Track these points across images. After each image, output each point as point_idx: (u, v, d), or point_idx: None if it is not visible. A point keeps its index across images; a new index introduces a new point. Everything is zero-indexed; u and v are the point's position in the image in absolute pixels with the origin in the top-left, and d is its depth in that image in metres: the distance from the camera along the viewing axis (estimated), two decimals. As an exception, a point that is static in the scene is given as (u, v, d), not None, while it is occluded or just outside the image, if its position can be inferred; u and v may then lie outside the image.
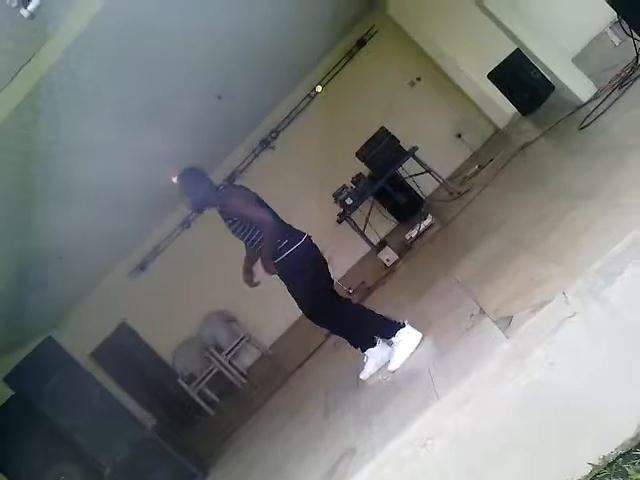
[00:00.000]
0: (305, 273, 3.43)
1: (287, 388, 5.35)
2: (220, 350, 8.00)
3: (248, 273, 3.67)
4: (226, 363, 7.88)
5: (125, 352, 8.08)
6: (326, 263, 3.58)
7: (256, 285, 3.67)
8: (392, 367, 3.29)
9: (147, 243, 8.62)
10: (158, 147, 5.98)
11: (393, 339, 3.33)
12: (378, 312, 3.49)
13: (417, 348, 3.26)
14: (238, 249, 8.39)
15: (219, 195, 3.43)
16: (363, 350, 3.52)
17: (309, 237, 3.49)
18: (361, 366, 3.57)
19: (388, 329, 3.36)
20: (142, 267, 8.61)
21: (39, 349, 4.84)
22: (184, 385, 7.70)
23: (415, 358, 3.19)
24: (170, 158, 6.61)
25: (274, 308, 8.10)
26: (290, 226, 3.51)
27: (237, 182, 8.64)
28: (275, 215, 3.45)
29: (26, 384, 4.62)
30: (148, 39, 4.28)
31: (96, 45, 3.80)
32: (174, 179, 3.53)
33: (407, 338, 3.29)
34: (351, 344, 3.63)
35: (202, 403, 7.66)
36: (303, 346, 6.01)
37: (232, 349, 8.03)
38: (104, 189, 5.73)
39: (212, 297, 8.27)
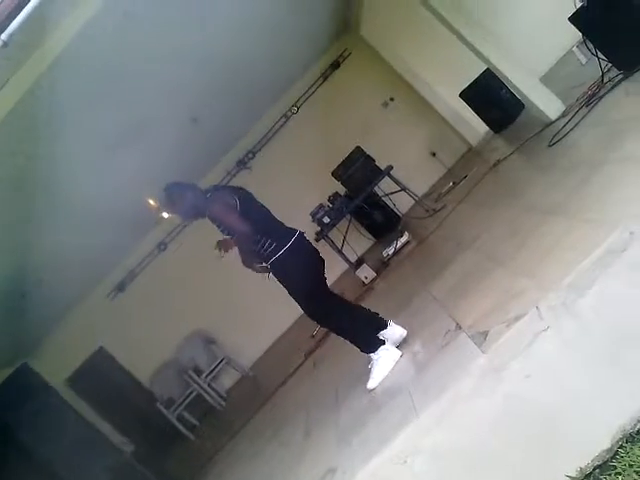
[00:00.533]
0: (298, 271, 3.42)
1: (267, 409, 5.31)
2: (199, 373, 7.90)
3: (250, 265, 3.62)
4: (205, 386, 7.78)
5: (102, 377, 7.94)
6: (322, 260, 3.57)
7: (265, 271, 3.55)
8: (370, 385, 3.27)
9: (124, 266, 8.52)
10: (134, 169, 5.96)
11: (373, 355, 3.32)
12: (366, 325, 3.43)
13: (395, 366, 3.25)
14: (216, 270, 8.36)
15: (207, 201, 3.44)
16: (370, 352, 3.37)
17: (301, 233, 3.48)
18: (344, 381, 3.53)
19: (370, 344, 3.33)
20: (119, 289, 8.51)
21: (14, 376, 4.76)
22: (163, 409, 7.58)
23: (394, 375, 3.20)
24: (147, 180, 6.64)
25: (253, 329, 8.10)
26: (281, 226, 3.52)
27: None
28: (262, 218, 3.49)
29: (1, 412, 4.53)
30: (123, 63, 4.28)
31: (71, 71, 3.79)
32: (162, 193, 3.56)
33: (386, 355, 3.29)
34: (357, 345, 3.47)
35: (181, 427, 7.54)
36: (283, 367, 5.98)
37: (211, 371, 7.94)
38: (81, 210, 5.68)
39: (191, 319, 8.20)
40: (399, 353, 3.31)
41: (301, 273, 3.43)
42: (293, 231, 3.47)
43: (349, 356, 4.27)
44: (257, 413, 5.43)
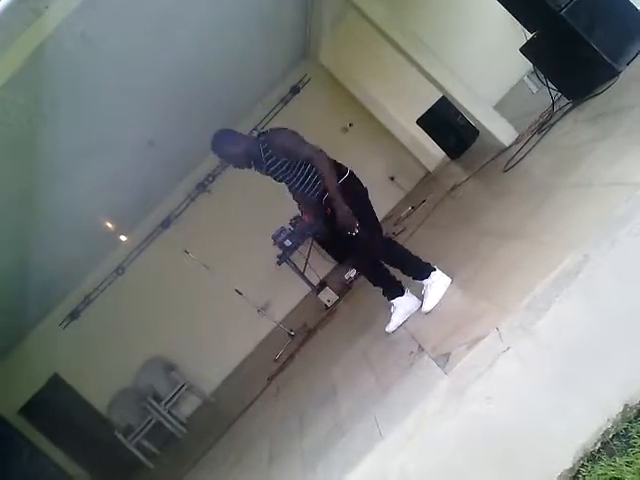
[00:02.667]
0: (358, 200, 3.43)
1: (230, 436, 5.23)
2: (159, 399, 7.71)
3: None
4: (165, 413, 7.60)
5: (58, 405, 7.67)
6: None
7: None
8: (427, 307, 3.32)
9: (78, 291, 8.32)
10: (90, 191, 5.88)
11: (426, 281, 3.38)
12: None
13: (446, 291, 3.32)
14: (177, 294, 8.25)
15: (261, 141, 3.34)
16: (390, 298, 3.53)
17: (352, 171, 3.49)
18: (308, 406, 3.53)
19: (424, 270, 3.39)
20: (74, 316, 8.29)
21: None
22: (121, 438, 7.35)
23: (358, 399, 3.21)
24: (102, 204, 6.55)
25: (214, 354, 8.00)
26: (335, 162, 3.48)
27: (173, 226, 8.57)
28: None
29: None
30: (78, 85, 4.24)
31: (25, 90, 3.74)
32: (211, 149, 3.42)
33: (439, 280, 3.35)
34: (382, 288, 3.58)
35: (141, 456, 7.33)
36: (245, 392, 5.92)
37: (171, 398, 7.76)
38: (32, 233, 5.55)
39: (150, 344, 8.05)
40: (449, 279, 3.37)
41: (361, 202, 3.46)
42: (344, 167, 3.47)
43: (314, 379, 4.28)
44: (219, 440, 5.34)
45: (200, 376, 8.13)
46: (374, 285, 3.64)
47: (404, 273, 3.51)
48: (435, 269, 3.40)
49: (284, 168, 3.37)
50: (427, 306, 3.33)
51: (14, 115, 3.96)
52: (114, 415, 7.78)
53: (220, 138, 3.42)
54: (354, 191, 3.44)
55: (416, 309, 3.48)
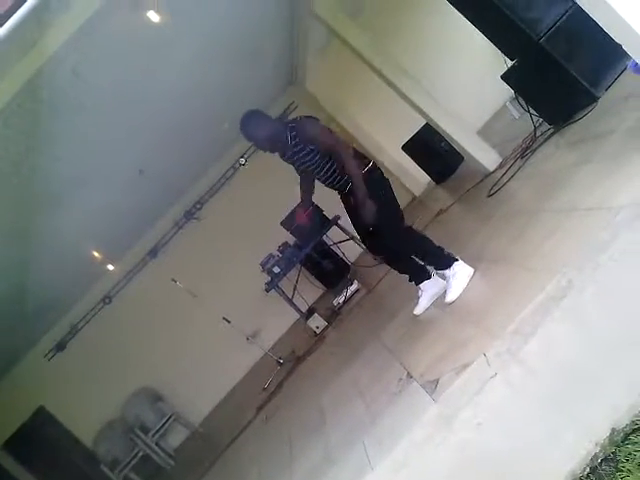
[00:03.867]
0: (382, 193, 3.49)
1: (219, 467, 5.15)
2: (146, 431, 7.58)
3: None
4: (152, 445, 7.47)
5: (43, 439, 7.51)
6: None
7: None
8: (450, 298, 3.32)
9: (65, 321, 8.23)
10: (80, 219, 5.87)
11: (448, 271, 3.39)
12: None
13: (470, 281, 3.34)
14: (164, 323, 8.18)
15: (290, 127, 3.40)
16: (418, 283, 3.60)
17: (375, 163, 3.53)
18: (298, 435, 3.50)
19: (445, 261, 3.42)
20: (60, 347, 8.18)
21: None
22: (108, 471, 7.21)
23: (347, 427, 3.19)
24: (90, 233, 6.53)
25: (202, 383, 7.91)
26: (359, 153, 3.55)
27: (160, 254, 8.53)
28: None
29: None
30: (68, 115, 4.26)
31: (16, 120, 3.76)
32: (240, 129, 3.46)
33: (462, 270, 3.36)
34: (408, 275, 3.66)
35: (127, 490, 7.20)
36: (234, 422, 5.85)
37: (159, 429, 7.63)
38: (22, 264, 5.51)
39: (137, 375, 7.94)
40: (472, 270, 3.38)
41: (384, 196, 3.51)
42: (367, 159, 3.52)
43: (303, 407, 4.24)
44: (208, 471, 5.26)
45: (188, 406, 8.03)
46: (400, 272, 3.76)
47: (426, 263, 3.58)
48: (457, 259, 3.43)
49: (310, 157, 3.43)
50: (450, 297, 3.34)
51: (4, 146, 3.95)
52: (100, 448, 7.61)
53: (249, 119, 3.46)
54: (376, 182, 3.49)
55: (442, 291, 3.49)
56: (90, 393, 7.60)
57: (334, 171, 3.46)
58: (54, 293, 7.00)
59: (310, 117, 3.51)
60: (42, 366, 7.97)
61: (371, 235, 3.60)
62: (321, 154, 3.41)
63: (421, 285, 3.60)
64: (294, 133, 3.38)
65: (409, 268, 3.66)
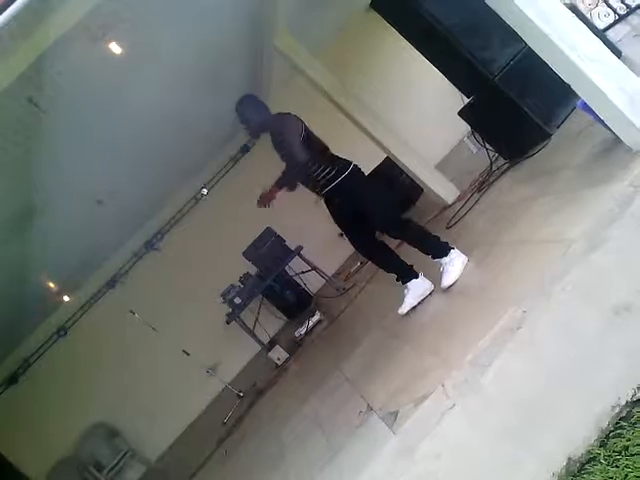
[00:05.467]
0: (362, 193, 3.76)
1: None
2: (100, 468, 7.30)
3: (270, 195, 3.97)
4: (107, 483, 7.21)
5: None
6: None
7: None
8: (446, 283, 3.44)
9: (17, 354, 7.93)
10: (31, 251, 5.71)
11: (445, 259, 3.51)
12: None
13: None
14: (119, 356, 7.96)
15: (274, 119, 3.78)
16: (405, 282, 3.71)
17: (356, 165, 3.79)
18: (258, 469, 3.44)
19: (442, 248, 3.56)
20: (11, 381, 7.87)
21: None
22: (59, 513, 6.91)
23: (307, 462, 3.14)
24: (44, 263, 6.36)
25: (159, 418, 7.70)
26: (336, 156, 3.82)
27: (118, 285, 8.37)
28: (320, 146, 3.78)
29: None
30: (26, 143, 4.19)
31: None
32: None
33: (458, 258, 3.50)
34: (396, 273, 3.80)
35: (79, 533, 6.88)
36: (193, 457, 5.69)
37: (114, 466, 7.37)
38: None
39: (92, 409, 7.67)
40: (466, 258, 3.53)
41: (366, 194, 3.77)
42: (349, 162, 3.78)
43: (262, 442, 4.17)
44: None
45: (145, 442, 7.79)
46: (387, 271, 3.90)
47: (423, 251, 3.68)
48: (454, 247, 3.56)
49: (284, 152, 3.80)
50: (446, 281, 3.45)
51: None
52: (52, 487, 7.29)
53: (247, 102, 3.87)
54: (359, 182, 3.80)
55: (429, 292, 3.66)
56: (42, 429, 7.30)
57: (313, 164, 3.71)
58: (6, 324, 6.76)
59: (286, 119, 3.80)
60: (-9, 402, 7.64)
61: (362, 229, 3.80)
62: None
63: (408, 284, 3.70)
64: (270, 130, 3.80)
65: (397, 267, 3.81)
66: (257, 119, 3.80)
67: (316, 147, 3.75)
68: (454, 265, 3.49)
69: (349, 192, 3.72)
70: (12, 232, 5.12)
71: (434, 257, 3.61)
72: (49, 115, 4.10)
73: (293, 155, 3.66)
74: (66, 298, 7.99)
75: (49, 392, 7.57)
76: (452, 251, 3.55)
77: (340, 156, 3.83)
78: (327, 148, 3.84)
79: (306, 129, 3.75)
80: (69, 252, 6.70)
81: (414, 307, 3.67)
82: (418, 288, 3.68)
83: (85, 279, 8.18)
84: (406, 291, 3.71)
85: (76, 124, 4.55)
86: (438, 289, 3.59)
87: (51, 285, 7.31)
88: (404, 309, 3.70)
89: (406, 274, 3.75)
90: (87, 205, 6.14)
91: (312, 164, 3.68)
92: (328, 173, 3.69)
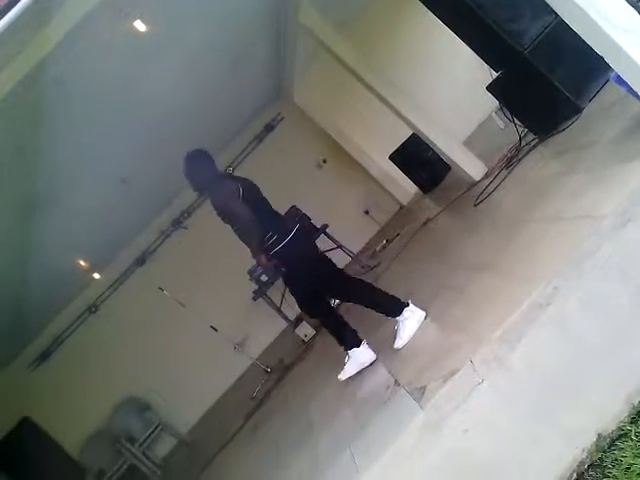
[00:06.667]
0: (304, 260, 3.65)
1: (206, 476, 5.12)
2: (133, 441, 7.51)
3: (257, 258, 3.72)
4: (139, 455, 7.39)
5: (27, 449, 7.39)
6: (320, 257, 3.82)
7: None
8: (399, 344, 3.35)
9: (49, 331, 8.15)
10: (62, 231, 5.82)
11: (399, 317, 3.41)
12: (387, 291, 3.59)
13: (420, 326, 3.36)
14: (150, 333, 8.13)
15: (218, 184, 3.65)
16: (347, 349, 3.60)
17: (300, 227, 3.70)
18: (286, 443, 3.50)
19: (395, 308, 3.44)
20: (44, 357, 8.09)
21: None
22: (93, 482, 7.15)
23: (335, 435, 3.19)
24: (75, 241, 6.49)
25: (189, 392, 7.86)
26: (282, 219, 3.80)
27: (147, 263, 8.49)
28: (263, 210, 3.66)
29: None
30: (51, 123, 4.23)
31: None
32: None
33: (412, 316, 3.38)
34: (339, 339, 3.70)
35: (114, 501, 7.12)
36: (222, 431, 5.81)
37: (146, 439, 7.57)
38: (5, 273, 5.46)
39: (123, 384, 7.86)
40: (423, 313, 3.41)
41: (307, 261, 3.66)
42: (293, 224, 3.69)
43: (291, 416, 4.23)
44: (196, 480, 5.23)
45: (175, 415, 7.96)
46: (331, 334, 3.77)
47: (376, 311, 3.59)
48: (408, 304, 3.43)
49: (225, 221, 3.69)
50: (398, 343, 3.36)
51: None
52: (87, 458, 7.53)
53: (194, 159, 3.68)
54: (303, 245, 3.71)
55: (370, 363, 3.54)
56: (76, 403, 7.52)
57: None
58: (39, 302, 6.93)
59: (225, 188, 3.66)
60: (27, 376, 7.88)
61: (310, 296, 3.67)
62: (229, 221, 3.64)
63: (350, 352, 3.59)
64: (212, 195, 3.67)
65: (342, 332, 3.69)
66: (197, 178, 3.67)
67: (258, 211, 3.60)
68: (406, 326, 3.37)
69: (294, 256, 3.61)
70: (39, 211, 5.22)
71: (387, 315, 3.56)
72: (75, 95, 4.14)
73: (232, 222, 3.62)
74: (96, 276, 8.15)
75: (81, 367, 7.78)
76: (406, 309, 3.40)
77: (285, 218, 3.81)
78: (271, 211, 3.77)
79: (245, 195, 3.61)
80: (99, 230, 6.82)
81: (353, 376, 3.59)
82: (358, 357, 3.57)
83: (115, 257, 8.32)
84: (347, 358, 3.62)
85: (103, 102, 4.60)
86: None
87: (81, 263, 7.46)
88: (343, 376, 3.62)
89: (347, 342, 3.63)
90: (114, 183, 6.22)
91: (255, 227, 3.59)
92: (271, 237, 3.57)
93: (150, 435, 7.61)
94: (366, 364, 3.55)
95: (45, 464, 7.47)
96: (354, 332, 3.65)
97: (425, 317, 3.41)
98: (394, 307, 3.45)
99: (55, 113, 4.16)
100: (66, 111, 4.27)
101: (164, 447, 8.05)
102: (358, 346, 3.58)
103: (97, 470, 7.36)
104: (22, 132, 4.06)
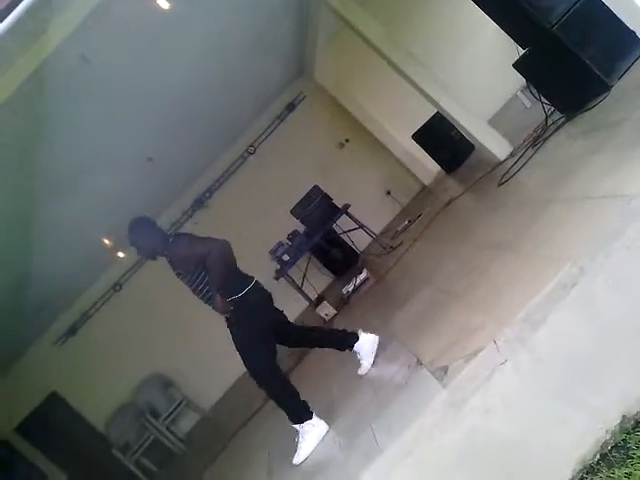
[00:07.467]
0: (244, 325, 3.52)
1: (229, 450, 5.21)
2: (157, 416, 7.68)
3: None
4: (163, 429, 7.57)
5: (55, 423, 7.62)
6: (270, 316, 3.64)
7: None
8: (296, 460, 3.28)
9: (76, 308, 8.31)
10: (87, 210, 5.90)
11: (298, 427, 3.33)
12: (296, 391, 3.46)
13: (322, 441, 3.26)
14: (174, 310, 8.22)
15: (168, 245, 3.48)
16: (294, 423, 3.39)
17: (252, 288, 3.57)
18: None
19: (297, 414, 3.35)
20: (71, 332, 8.27)
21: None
22: (119, 455, 7.32)
23: (357, 413, 3.21)
24: (99, 220, 6.57)
25: (212, 369, 7.96)
26: (234, 278, 3.57)
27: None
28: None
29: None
30: (77, 102, 4.26)
31: (23, 108, 3.77)
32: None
33: (312, 430, 3.30)
34: (286, 410, 3.48)
35: (139, 474, 7.28)
36: (244, 407, 5.89)
37: (170, 414, 7.74)
38: (32, 251, 5.57)
39: (147, 361, 8.01)
40: (325, 428, 3.32)
41: (248, 326, 3.52)
42: (246, 283, 3.55)
43: (312, 394, 4.27)
44: (219, 455, 5.32)
45: (198, 392, 8.10)
46: (278, 405, 3.50)
47: (333, 348, 3.74)
48: (311, 416, 3.33)
49: (182, 276, 3.54)
50: (295, 459, 3.28)
51: (12, 134, 3.98)
52: (112, 432, 7.72)
53: (138, 226, 3.60)
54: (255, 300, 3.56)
55: (325, 433, 3.33)
56: (101, 378, 7.68)
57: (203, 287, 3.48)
58: (65, 280, 7.07)
59: (181, 239, 3.56)
60: (53, 352, 8.07)
61: (261, 351, 3.53)
62: (190, 272, 3.46)
63: (303, 425, 3.34)
64: (167, 253, 3.50)
65: (288, 403, 3.45)
66: (145, 245, 3.56)
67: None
68: (306, 440, 3.28)
69: (245, 311, 3.50)
70: (67, 189, 5.29)
71: (342, 350, 3.62)
72: (101, 73, 4.16)
73: (190, 278, 3.48)
74: (120, 254, 8.26)
75: (107, 344, 7.93)
76: (307, 422, 3.31)
77: (239, 273, 3.64)
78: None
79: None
80: (122, 209, 6.88)
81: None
82: (311, 434, 3.31)
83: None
84: (300, 437, 3.33)
85: (127, 81, 4.61)
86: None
87: (106, 242, 7.55)
88: (299, 459, 3.29)
89: (296, 413, 3.38)
90: (139, 162, 6.27)
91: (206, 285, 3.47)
92: (225, 291, 3.45)
93: (174, 411, 7.77)
94: (322, 435, 3.31)
95: (72, 437, 7.70)
96: (303, 402, 3.42)
97: (378, 342, 3.51)
98: (345, 341, 3.57)
99: (82, 91, 4.19)
100: (92, 89, 4.30)
101: (188, 423, 8.20)
102: (310, 418, 3.34)
103: (123, 444, 7.54)
104: (49, 111, 4.09)
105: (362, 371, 3.57)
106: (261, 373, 3.46)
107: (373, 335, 3.66)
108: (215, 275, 3.36)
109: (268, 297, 3.66)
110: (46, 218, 5.36)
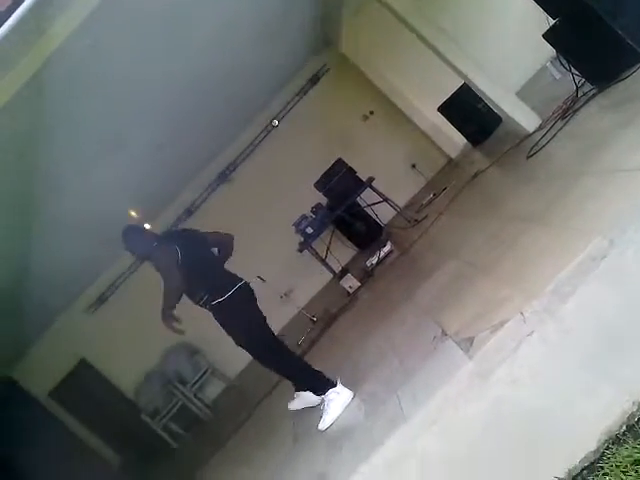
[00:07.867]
0: (234, 322, 3.85)
1: (255, 418, 5.33)
2: (184, 383, 7.87)
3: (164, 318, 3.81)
4: (191, 396, 7.76)
5: (86, 389, 7.86)
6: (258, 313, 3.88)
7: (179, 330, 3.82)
8: (321, 426, 3.36)
9: (106, 277, 8.47)
10: (113, 181, 5.98)
11: (323, 397, 3.45)
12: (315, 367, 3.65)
13: (347, 408, 3.35)
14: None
15: (152, 251, 3.83)
16: (321, 393, 3.52)
17: (240, 287, 3.80)
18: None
19: (319, 385, 3.50)
20: (101, 301, 8.46)
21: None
22: (148, 420, 7.54)
23: (382, 381, 3.27)
24: (127, 191, 6.65)
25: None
26: (221, 277, 3.84)
27: (194, 215, 8.66)
28: (201, 269, 3.81)
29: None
30: (87, 91, 4.23)
31: (36, 95, 3.79)
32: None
33: (337, 398, 3.40)
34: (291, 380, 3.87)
35: (168, 438, 7.50)
36: (269, 376, 5.99)
37: (196, 382, 7.92)
38: (62, 224, 5.68)
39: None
40: (350, 395, 3.41)
41: (238, 323, 3.84)
42: (233, 283, 3.76)
43: (336, 362, 4.34)
44: (245, 422, 5.44)
45: (224, 361, 8.22)
46: (288, 379, 3.89)
47: (299, 385, 3.80)
48: (335, 384, 3.46)
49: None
50: (321, 425, 3.37)
51: (23, 119, 4.00)
52: (141, 398, 7.95)
53: (129, 233, 3.95)
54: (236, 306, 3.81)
55: (316, 404, 3.56)
56: (130, 345, 7.84)
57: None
58: (95, 250, 7.20)
59: (163, 247, 3.80)
60: (84, 319, 8.26)
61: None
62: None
63: (327, 394, 3.47)
64: (153, 259, 3.82)
65: (307, 374, 3.67)
66: (138, 250, 3.99)
67: (195, 271, 3.75)
68: (331, 407, 3.36)
69: (226, 316, 3.83)
70: (93, 164, 5.36)
71: (313, 392, 3.59)
72: (110, 61, 4.15)
73: (170, 283, 3.69)
74: (147, 226, 8.35)
75: (136, 312, 8.07)
76: (331, 390, 3.41)
77: (230, 275, 3.84)
78: (210, 268, 3.90)
79: (183, 258, 3.71)
80: (147, 181, 6.97)
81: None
82: (336, 402, 3.40)
83: (161, 210, 8.48)
84: (324, 404, 3.44)
85: (137, 64, 4.55)
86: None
87: (133, 214, 7.65)
88: (324, 425, 3.37)
89: (322, 384, 3.53)
90: (161, 136, 6.31)
91: (191, 289, 3.76)
92: (202, 297, 3.78)
93: (200, 378, 7.94)
94: (347, 404, 3.40)
95: (102, 403, 7.94)
96: (320, 374, 3.59)
97: (352, 397, 3.42)
98: (318, 385, 3.53)
99: (92, 80, 4.17)
100: (103, 78, 4.26)
101: (214, 390, 8.37)
102: (333, 386, 3.47)
103: (151, 409, 7.76)
104: (59, 102, 4.08)
105: (322, 426, 3.38)
106: (264, 352, 3.89)
107: (350, 392, 3.46)
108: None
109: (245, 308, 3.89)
110: (73, 190, 5.45)
